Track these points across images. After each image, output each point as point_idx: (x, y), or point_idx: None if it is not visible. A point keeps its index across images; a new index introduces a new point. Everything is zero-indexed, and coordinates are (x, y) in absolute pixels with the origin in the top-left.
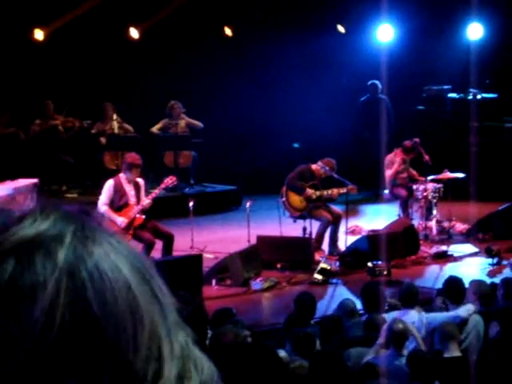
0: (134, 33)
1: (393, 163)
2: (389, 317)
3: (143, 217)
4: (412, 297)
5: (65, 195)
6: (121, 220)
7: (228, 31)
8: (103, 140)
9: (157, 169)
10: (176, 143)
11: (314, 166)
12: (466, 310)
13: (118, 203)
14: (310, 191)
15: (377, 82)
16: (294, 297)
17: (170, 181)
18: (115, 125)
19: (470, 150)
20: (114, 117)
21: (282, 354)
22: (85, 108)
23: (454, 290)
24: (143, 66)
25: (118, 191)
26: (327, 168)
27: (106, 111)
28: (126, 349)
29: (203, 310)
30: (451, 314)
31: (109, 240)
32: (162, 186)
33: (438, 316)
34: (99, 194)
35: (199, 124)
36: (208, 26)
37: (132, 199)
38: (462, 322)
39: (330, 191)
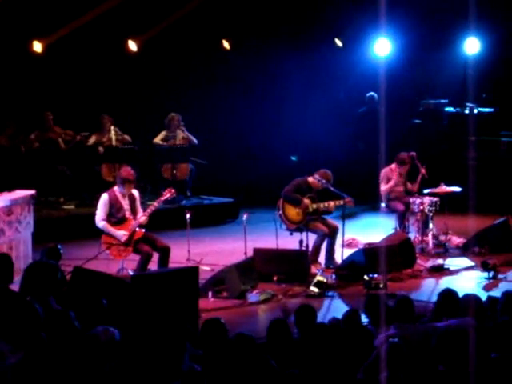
0: (133, 45)
1: (388, 178)
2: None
3: (143, 230)
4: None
5: (62, 207)
6: (121, 234)
7: (226, 44)
8: (101, 149)
9: (154, 181)
10: (174, 155)
11: (310, 179)
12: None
13: (116, 216)
14: (306, 202)
15: (374, 93)
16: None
17: (168, 193)
18: (113, 137)
19: (466, 163)
20: (112, 128)
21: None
22: (83, 120)
23: (448, 303)
24: (141, 79)
25: (114, 205)
26: (323, 180)
27: (103, 123)
28: None
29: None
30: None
31: None
32: (161, 198)
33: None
34: (96, 205)
35: (194, 140)
36: (206, 39)
37: (128, 212)
38: None
39: (326, 204)
